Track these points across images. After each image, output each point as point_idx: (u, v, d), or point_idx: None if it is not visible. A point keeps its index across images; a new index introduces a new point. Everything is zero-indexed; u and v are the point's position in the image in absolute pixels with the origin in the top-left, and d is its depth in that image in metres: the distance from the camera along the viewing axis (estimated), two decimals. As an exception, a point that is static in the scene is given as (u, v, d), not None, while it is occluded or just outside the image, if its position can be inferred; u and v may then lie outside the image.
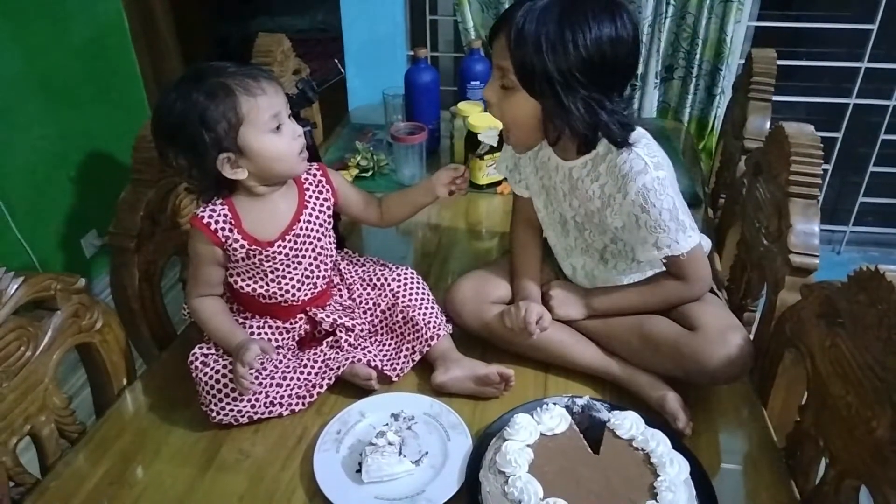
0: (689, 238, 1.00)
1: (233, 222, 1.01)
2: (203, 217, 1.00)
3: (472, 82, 1.81)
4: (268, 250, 1.03)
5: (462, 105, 1.73)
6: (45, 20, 2.03)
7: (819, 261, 1.05)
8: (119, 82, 2.42)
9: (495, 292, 1.16)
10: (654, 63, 1.98)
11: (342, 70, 1.62)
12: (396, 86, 1.87)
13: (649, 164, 0.98)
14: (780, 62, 1.49)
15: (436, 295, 1.18)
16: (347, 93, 2.20)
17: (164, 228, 1.21)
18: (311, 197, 1.08)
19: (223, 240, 1.00)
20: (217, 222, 1.00)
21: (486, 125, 1.59)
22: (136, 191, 1.16)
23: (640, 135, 1.02)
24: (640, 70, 2.00)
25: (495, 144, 1.19)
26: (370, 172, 1.74)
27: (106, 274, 2.36)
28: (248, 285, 1.06)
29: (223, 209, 1.01)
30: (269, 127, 0.97)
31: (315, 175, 1.10)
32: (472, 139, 1.62)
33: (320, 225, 1.09)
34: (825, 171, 1.07)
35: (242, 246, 1.01)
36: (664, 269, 1.08)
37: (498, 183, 1.68)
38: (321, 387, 1.05)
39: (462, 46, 2.06)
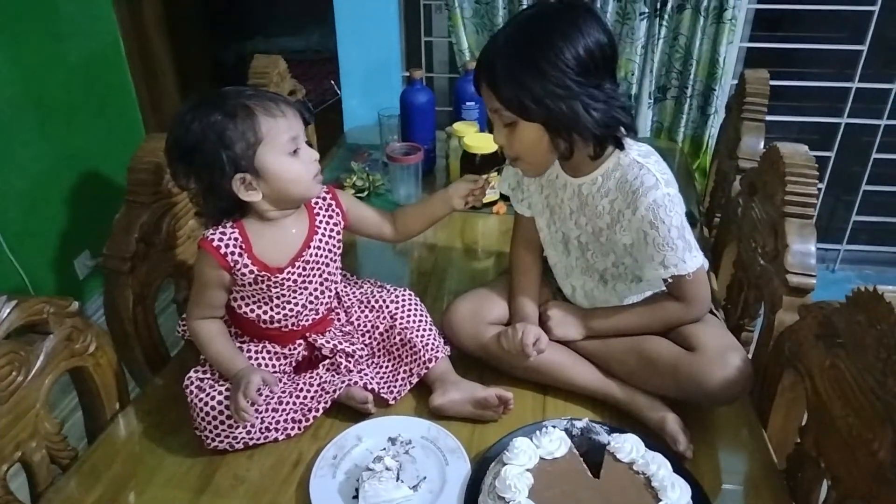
0: (694, 258, 1.00)
1: (243, 246, 1.00)
2: (213, 240, 0.99)
3: (468, 103, 1.81)
4: (276, 276, 1.02)
5: (457, 125, 1.74)
6: (41, 39, 2.03)
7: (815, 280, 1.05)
8: (114, 102, 2.42)
9: (493, 313, 1.16)
10: (647, 83, 2.00)
11: (338, 91, 1.63)
12: (392, 106, 1.88)
13: (660, 180, 0.98)
14: (772, 82, 1.51)
15: (433, 316, 1.17)
16: (343, 113, 2.21)
17: (159, 250, 1.20)
18: (321, 221, 1.08)
19: (232, 264, 0.99)
20: (227, 245, 0.99)
21: (481, 146, 1.60)
22: (131, 213, 1.15)
23: (649, 151, 1.03)
24: (633, 90, 2.01)
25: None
26: (366, 192, 1.73)
27: (99, 295, 2.35)
28: (251, 310, 1.05)
29: (233, 232, 1.00)
30: (288, 149, 0.97)
31: (325, 198, 1.10)
32: (467, 159, 1.63)
33: (329, 250, 1.08)
34: (818, 189, 1.08)
35: (252, 271, 1.00)
36: (664, 290, 1.08)
37: (495, 202, 1.68)
38: (317, 411, 1.04)
39: (457, 67, 2.07)
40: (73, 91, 2.17)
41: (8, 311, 0.88)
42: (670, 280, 1.02)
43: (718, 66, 1.91)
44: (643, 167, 1.00)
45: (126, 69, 2.46)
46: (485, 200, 1.65)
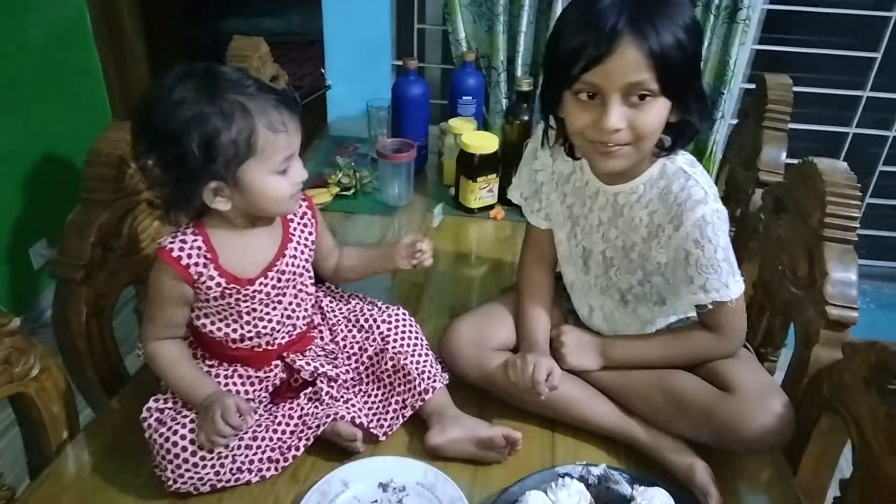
0: (738, 283, 0.90)
1: (208, 256, 0.87)
2: (171, 249, 0.85)
3: (465, 97, 1.68)
4: (247, 289, 0.89)
5: (454, 122, 1.61)
6: (2, 13, 1.85)
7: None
8: (79, 83, 2.26)
9: (497, 337, 1.04)
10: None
11: (329, 84, 1.50)
12: (381, 97, 1.75)
13: (709, 194, 0.88)
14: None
15: (426, 333, 1.05)
16: (326, 102, 2.06)
17: (119, 255, 1.06)
18: (295, 229, 0.95)
19: (195, 276, 0.86)
20: (190, 256, 0.86)
21: (480, 145, 1.47)
22: (87, 212, 1.00)
23: (693, 160, 0.92)
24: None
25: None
26: (352, 191, 1.60)
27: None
28: (217, 328, 0.92)
29: (196, 240, 0.87)
30: (279, 169, 0.84)
31: (301, 206, 0.97)
32: (465, 159, 1.50)
33: (306, 259, 0.96)
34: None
35: (218, 284, 0.87)
36: (688, 316, 0.97)
37: (491, 206, 1.56)
38: (297, 449, 0.91)
39: (451, 57, 1.94)
40: (34, 70, 2.02)
41: (-70, 332, 0.74)
42: (710, 306, 0.91)
43: (728, 68, 1.81)
44: (690, 177, 0.90)
45: (93, 48, 2.31)
46: (481, 204, 1.55)
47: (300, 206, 0.97)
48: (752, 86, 1.54)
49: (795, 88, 1.63)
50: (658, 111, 0.84)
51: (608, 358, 0.99)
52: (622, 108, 0.83)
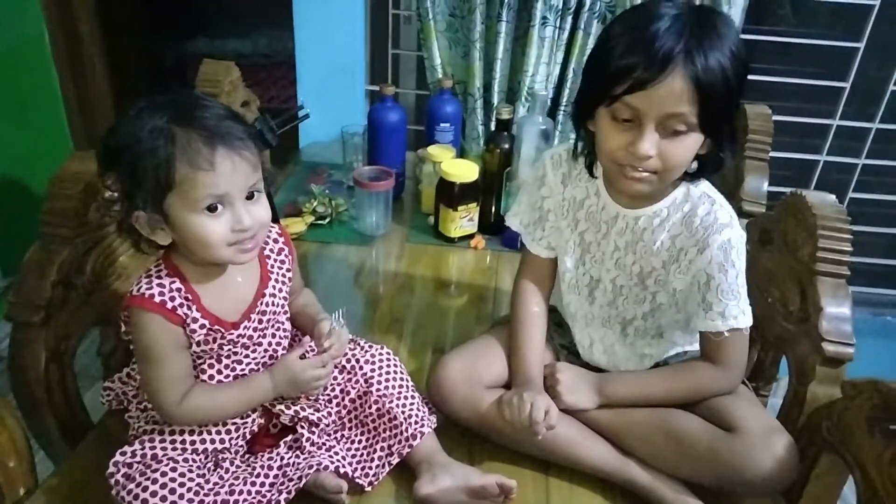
0: (750, 312, 0.90)
1: (189, 297, 0.81)
2: (152, 295, 0.79)
3: (442, 124, 1.65)
4: (230, 333, 0.84)
5: (433, 149, 1.58)
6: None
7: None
8: (35, 103, 2.16)
9: (489, 373, 1.00)
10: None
11: (307, 113, 1.46)
12: (355, 123, 1.71)
13: (734, 219, 0.90)
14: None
15: (408, 371, 1.00)
16: (297, 128, 2.01)
17: (82, 295, 0.98)
18: (273, 266, 0.90)
19: (183, 317, 0.81)
20: (173, 299, 0.80)
21: (460, 174, 1.44)
22: (47, 249, 0.93)
23: (710, 187, 0.92)
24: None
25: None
26: (327, 220, 1.55)
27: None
28: (196, 375, 0.86)
29: (174, 282, 0.81)
30: (202, 206, 0.76)
31: (277, 240, 0.92)
32: (444, 188, 1.47)
33: (283, 298, 0.91)
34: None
35: (203, 326, 0.82)
36: (685, 350, 0.96)
37: (471, 236, 1.52)
38: (278, 503, 0.84)
39: (426, 83, 1.91)
40: (-12, 87, 1.91)
41: None
42: (726, 334, 0.89)
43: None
44: (715, 202, 0.90)
45: (51, 66, 2.20)
46: (461, 233, 1.51)
47: (276, 241, 0.92)
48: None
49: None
50: (690, 145, 0.83)
51: (605, 396, 0.96)
52: (656, 136, 0.82)
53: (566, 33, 1.76)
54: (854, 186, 2.07)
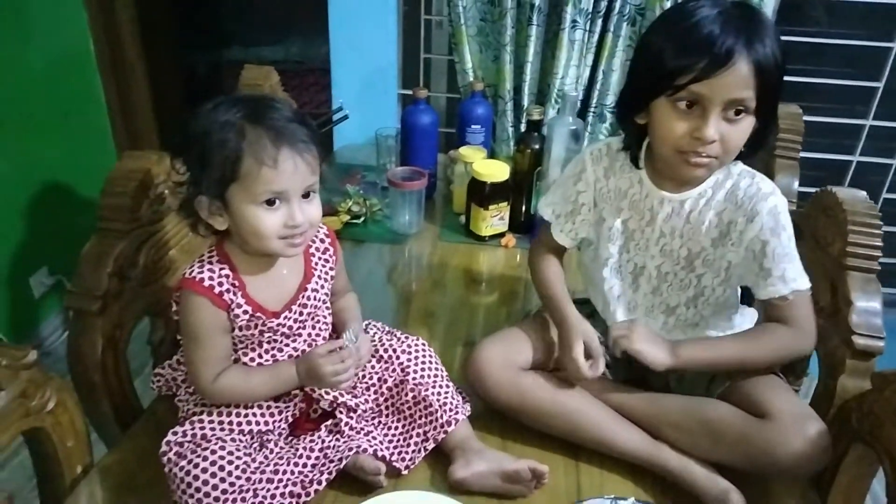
0: (806, 276, 0.94)
1: (235, 284, 0.87)
2: (202, 279, 0.85)
3: (473, 126, 1.69)
4: (272, 321, 0.89)
5: (464, 150, 1.61)
6: (4, 40, 1.85)
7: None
8: (81, 110, 2.25)
9: (521, 357, 1.03)
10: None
11: (346, 113, 1.51)
12: (388, 126, 1.75)
13: (776, 188, 0.95)
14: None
15: (446, 368, 1.03)
16: (332, 130, 2.06)
17: (135, 286, 1.04)
18: (317, 264, 0.95)
19: (228, 302, 0.86)
20: (221, 284, 0.86)
21: (492, 173, 1.48)
22: (103, 243, 0.99)
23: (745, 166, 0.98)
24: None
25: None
26: (362, 219, 1.59)
27: (56, 314, 2.16)
28: (236, 359, 0.91)
29: (223, 269, 0.87)
30: (261, 200, 0.82)
31: (324, 241, 0.97)
32: (476, 187, 1.50)
33: (325, 294, 0.96)
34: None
35: (246, 312, 0.87)
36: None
37: (502, 234, 1.55)
38: (319, 483, 0.88)
39: (457, 87, 1.95)
40: (36, 97, 2.01)
41: (-51, 366, 0.72)
42: (790, 298, 0.93)
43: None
44: (755, 175, 0.96)
45: (97, 76, 2.30)
46: (492, 232, 1.54)
47: (323, 241, 0.97)
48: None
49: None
50: (746, 128, 0.89)
51: (681, 357, 0.95)
52: (722, 122, 0.87)
53: (596, 36, 1.78)
54: (888, 187, 2.06)
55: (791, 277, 0.93)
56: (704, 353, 0.96)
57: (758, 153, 0.95)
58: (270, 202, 0.82)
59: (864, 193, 1.04)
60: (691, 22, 0.86)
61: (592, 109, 1.88)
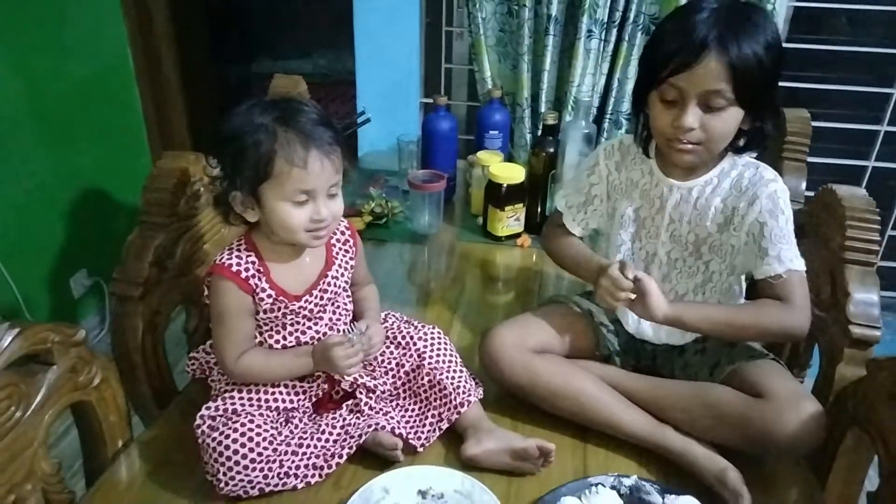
0: (801, 259, 1.00)
1: (261, 270, 0.94)
2: (231, 265, 0.93)
3: (491, 132, 1.76)
4: (294, 304, 0.96)
5: (482, 154, 1.68)
6: (47, 52, 1.97)
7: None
8: (119, 119, 2.36)
9: (534, 340, 1.09)
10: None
11: (368, 117, 1.58)
12: (408, 132, 1.82)
13: (778, 176, 1.02)
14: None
15: (461, 356, 1.09)
16: (357, 138, 2.15)
17: (172, 276, 1.12)
18: (337, 254, 1.03)
19: (253, 287, 0.93)
20: (247, 269, 0.93)
21: (507, 175, 1.54)
22: (145, 234, 1.07)
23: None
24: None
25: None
26: (384, 220, 1.66)
27: (94, 314, 2.27)
28: (262, 341, 0.99)
29: (250, 255, 0.94)
30: (292, 198, 0.90)
31: (345, 233, 1.05)
32: (493, 189, 1.57)
33: (345, 282, 1.04)
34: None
35: (270, 296, 0.94)
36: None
37: (518, 235, 1.61)
38: (340, 457, 0.95)
39: (476, 95, 2.02)
40: (78, 105, 2.12)
41: (10, 339, 0.79)
42: (784, 276, 0.98)
43: (746, 103, 1.87)
44: (759, 165, 1.03)
45: (134, 86, 2.41)
46: (508, 232, 1.60)
47: (343, 234, 1.04)
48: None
49: (815, 123, 1.70)
50: (730, 118, 0.95)
51: (677, 312, 1.00)
52: (698, 111, 0.94)
53: (611, 45, 1.84)
54: (904, 192, 2.07)
55: (787, 258, 0.98)
56: (701, 314, 1.02)
57: (763, 147, 1.01)
58: (299, 199, 0.90)
59: (863, 191, 1.08)
60: (677, 21, 0.95)
61: (608, 116, 1.93)
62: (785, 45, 1.95)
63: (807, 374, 1.17)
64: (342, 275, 1.03)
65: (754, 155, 1.06)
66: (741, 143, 1.01)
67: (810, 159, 2.03)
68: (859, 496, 0.98)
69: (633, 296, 0.98)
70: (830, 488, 0.98)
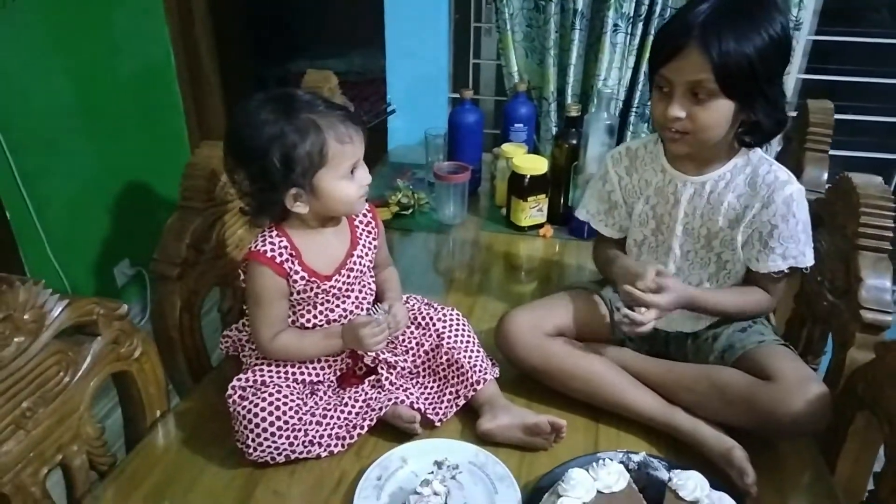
0: (811, 253, 1.03)
1: (293, 254, 1.00)
2: (265, 251, 0.98)
3: (517, 125, 1.80)
4: (325, 284, 1.02)
5: (506, 146, 1.72)
6: (95, 52, 2.08)
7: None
8: (162, 116, 2.46)
9: (549, 324, 1.12)
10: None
11: (394, 108, 1.64)
12: (438, 127, 1.87)
13: (792, 176, 1.03)
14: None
15: (479, 338, 1.13)
16: (387, 133, 2.21)
17: (208, 258, 1.19)
18: (361, 234, 1.08)
19: (287, 271, 0.99)
20: (281, 255, 0.99)
21: (531, 167, 1.57)
22: (183, 218, 1.14)
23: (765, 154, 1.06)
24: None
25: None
26: (410, 210, 1.72)
27: (136, 302, 2.37)
28: (294, 320, 1.04)
29: (281, 241, 1.00)
30: (346, 174, 0.97)
31: (367, 215, 1.10)
32: (516, 180, 1.60)
33: (369, 261, 1.09)
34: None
35: (303, 278, 1.00)
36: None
37: (540, 225, 1.65)
38: (362, 428, 1.00)
39: (503, 90, 2.06)
40: (123, 103, 2.22)
41: (60, 310, 0.87)
42: (786, 270, 1.04)
43: (774, 97, 1.86)
44: (773, 163, 1.04)
45: (175, 85, 2.51)
46: (531, 223, 1.64)
47: (366, 216, 1.09)
48: (797, 113, 1.60)
49: (844, 116, 1.69)
50: (717, 108, 0.97)
51: (692, 295, 1.06)
52: (685, 100, 0.97)
53: (637, 39, 1.86)
54: (937, 185, 2.04)
55: (791, 255, 1.02)
56: (711, 299, 1.08)
57: (767, 139, 1.03)
58: (350, 172, 0.97)
59: (879, 179, 1.09)
60: (677, 13, 0.99)
61: (634, 109, 1.95)
62: (815, 38, 1.95)
63: (821, 361, 1.18)
64: (366, 254, 1.08)
65: (766, 150, 1.08)
66: (746, 138, 1.02)
67: (840, 153, 2.02)
68: (868, 479, 0.99)
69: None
70: (839, 470, 0.99)
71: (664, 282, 1.02)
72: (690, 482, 0.85)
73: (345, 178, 0.97)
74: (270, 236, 1.00)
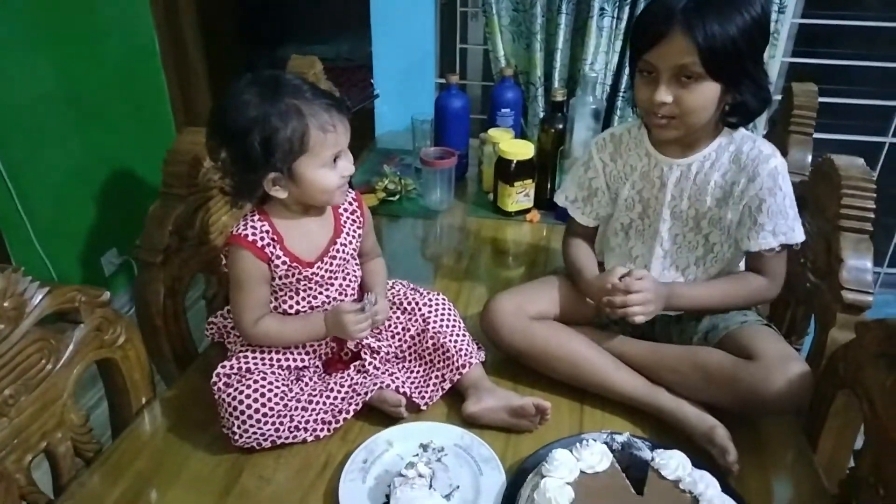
0: (801, 228, 1.03)
1: (274, 238, 0.99)
2: (246, 235, 0.98)
3: (503, 109, 1.79)
4: (307, 270, 1.01)
5: (493, 132, 1.71)
6: (80, 41, 2.05)
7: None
8: (148, 103, 2.44)
9: (534, 307, 1.13)
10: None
11: (377, 93, 1.62)
12: (425, 112, 1.86)
13: (775, 149, 1.03)
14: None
15: (465, 323, 1.14)
16: (374, 118, 2.20)
17: (192, 244, 1.19)
18: (345, 222, 1.08)
19: (269, 255, 0.99)
20: (262, 238, 0.99)
21: (517, 152, 1.57)
22: (165, 205, 1.14)
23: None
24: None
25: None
26: (397, 196, 1.71)
27: (124, 292, 2.36)
28: (275, 306, 1.04)
29: (263, 225, 0.99)
30: (328, 162, 0.96)
31: (352, 203, 1.09)
32: (502, 165, 1.60)
33: (353, 249, 1.08)
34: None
35: (284, 262, 1.00)
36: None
37: (527, 210, 1.65)
38: (347, 412, 1.01)
39: (491, 75, 2.05)
40: (108, 90, 2.19)
41: (40, 297, 0.86)
42: (777, 249, 1.03)
43: (760, 80, 1.87)
44: (755, 139, 1.04)
45: (161, 71, 2.48)
46: (517, 208, 1.64)
47: (351, 204, 1.09)
48: (782, 96, 1.60)
49: (831, 100, 1.70)
50: (704, 91, 0.97)
51: (672, 306, 1.07)
52: (671, 85, 0.97)
53: (623, 23, 1.85)
54: (922, 168, 2.05)
55: (781, 231, 1.03)
56: (691, 302, 1.09)
57: (752, 118, 1.03)
58: (332, 162, 0.96)
59: (861, 160, 1.09)
60: (652, 1, 0.98)
61: (621, 94, 1.94)
62: (801, 21, 1.94)
63: (804, 341, 1.19)
64: (350, 243, 1.08)
65: (750, 129, 1.08)
66: (731, 118, 1.02)
67: (826, 136, 2.02)
68: (849, 457, 1.00)
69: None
70: (821, 449, 1.00)
71: (634, 283, 1.02)
72: (673, 461, 0.86)
73: (325, 166, 0.96)
74: (252, 220, 1.00)
